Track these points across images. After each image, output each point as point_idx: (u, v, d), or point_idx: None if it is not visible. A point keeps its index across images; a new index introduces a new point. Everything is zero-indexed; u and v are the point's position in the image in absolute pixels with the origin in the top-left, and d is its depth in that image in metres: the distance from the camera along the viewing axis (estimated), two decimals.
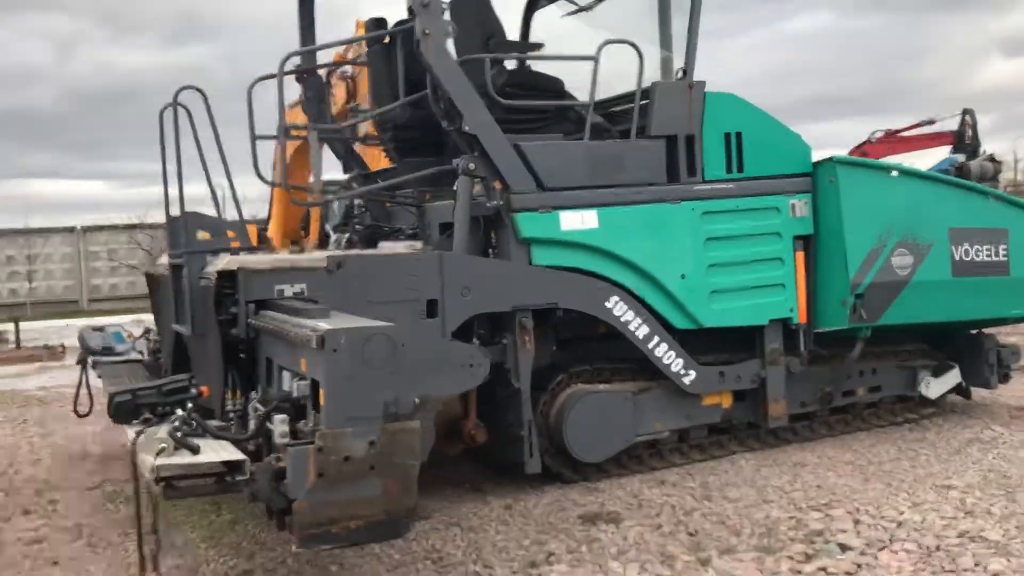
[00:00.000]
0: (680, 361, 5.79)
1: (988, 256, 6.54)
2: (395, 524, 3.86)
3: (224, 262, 4.70)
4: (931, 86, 64.92)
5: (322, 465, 3.63)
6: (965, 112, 20.09)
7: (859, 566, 4.12)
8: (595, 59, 5.58)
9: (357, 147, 7.21)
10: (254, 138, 5.15)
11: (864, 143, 26.45)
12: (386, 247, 5.56)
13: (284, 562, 4.51)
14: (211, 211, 5.41)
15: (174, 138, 4.84)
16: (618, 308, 5.58)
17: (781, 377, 6.13)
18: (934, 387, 6.89)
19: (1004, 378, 7.10)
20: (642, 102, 5.74)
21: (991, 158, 18.63)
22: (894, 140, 25.86)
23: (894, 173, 6.33)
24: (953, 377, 7.01)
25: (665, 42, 6.54)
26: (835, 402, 6.54)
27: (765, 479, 5.55)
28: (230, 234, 5.23)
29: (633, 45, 5.69)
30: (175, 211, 5.23)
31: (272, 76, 5.21)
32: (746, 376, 6.05)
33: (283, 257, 4.87)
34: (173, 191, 5.11)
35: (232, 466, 3.79)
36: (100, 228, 28.80)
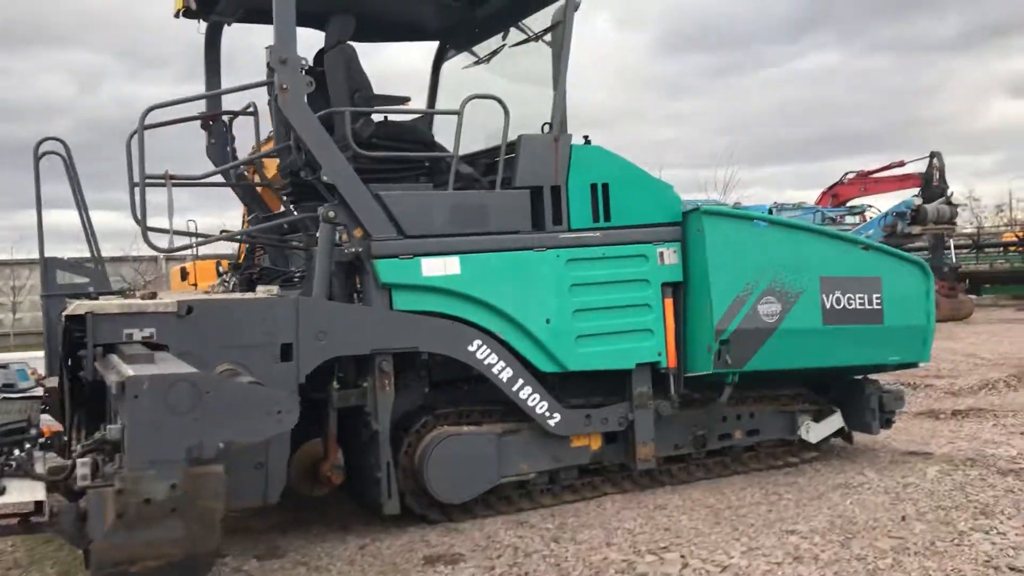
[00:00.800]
0: (545, 404, 5.94)
1: (861, 304, 6.70)
2: (195, 566, 4.02)
3: (73, 306, 4.88)
4: (937, 123, 65.34)
5: (121, 507, 3.79)
6: (932, 155, 20.35)
7: None
8: (459, 113, 5.79)
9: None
10: (139, 182, 5.31)
11: (836, 184, 26.86)
12: (260, 290, 5.73)
13: None
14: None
15: (35, 188, 5.03)
16: (481, 352, 5.74)
17: (649, 420, 6.27)
18: (815, 431, 7.04)
19: (886, 423, 7.23)
20: (509, 155, 5.95)
21: (948, 201, 18.87)
22: (866, 181, 26.24)
23: (762, 223, 6.51)
24: (835, 422, 7.15)
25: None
26: (710, 445, 6.69)
27: (620, 521, 5.68)
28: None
29: (498, 100, 5.91)
30: (61, 250, 5.42)
31: (181, 100, 5.42)
32: (613, 419, 6.20)
33: (133, 302, 5.04)
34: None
35: (35, 507, 3.96)
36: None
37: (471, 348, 5.72)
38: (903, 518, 5.51)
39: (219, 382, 4.05)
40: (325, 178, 5.46)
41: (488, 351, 5.77)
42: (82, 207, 5.21)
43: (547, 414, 5.96)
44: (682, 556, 4.98)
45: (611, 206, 6.19)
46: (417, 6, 7.10)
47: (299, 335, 5.27)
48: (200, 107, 6.65)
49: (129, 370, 4.05)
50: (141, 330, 4.96)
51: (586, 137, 7.13)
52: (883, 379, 7.34)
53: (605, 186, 6.17)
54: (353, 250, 5.54)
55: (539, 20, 6.79)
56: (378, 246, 5.51)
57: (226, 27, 6.96)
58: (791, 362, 6.53)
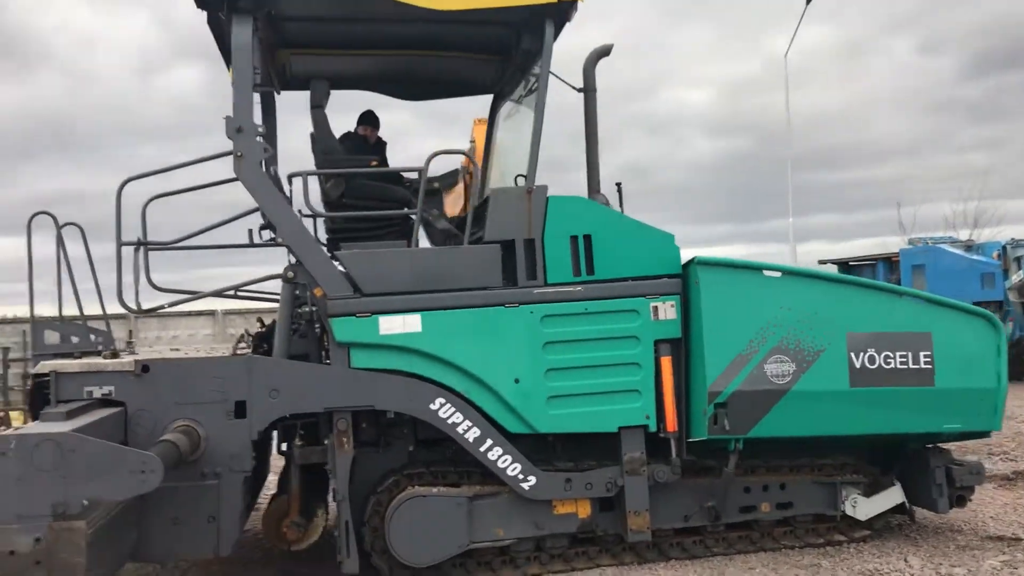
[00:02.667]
0: (517, 466, 5.69)
1: (903, 363, 5.86)
2: None
3: (39, 365, 5.34)
4: None
5: None
6: None
7: None
8: (423, 170, 5.75)
9: None
10: (120, 244, 5.75)
11: None
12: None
13: None
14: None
15: (27, 253, 5.58)
16: (444, 411, 5.61)
17: (643, 487, 5.80)
18: (864, 507, 6.18)
19: (958, 501, 6.23)
20: (481, 209, 5.83)
21: None
22: None
23: (774, 274, 5.87)
24: (892, 497, 6.26)
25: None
26: (727, 518, 6.07)
27: None
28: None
29: (465, 154, 5.82)
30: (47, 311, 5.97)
31: (152, 173, 5.83)
32: (599, 484, 5.80)
33: (94, 361, 5.43)
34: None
35: None
36: None
37: (433, 407, 5.60)
38: None
39: (83, 442, 4.25)
40: (279, 239, 5.62)
41: (452, 410, 5.62)
42: (68, 270, 5.71)
43: (520, 476, 5.69)
44: None
45: (595, 258, 5.85)
46: (468, 65, 7.14)
47: (252, 392, 5.43)
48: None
49: (28, 428, 4.37)
50: (100, 388, 5.33)
51: (618, 184, 6.87)
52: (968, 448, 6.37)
53: (588, 237, 5.85)
54: (308, 309, 5.64)
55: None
56: (334, 305, 5.56)
57: (277, 96, 7.38)
58: (809, 429, 5.81)
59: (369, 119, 7.11)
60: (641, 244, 5.96)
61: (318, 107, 6.30)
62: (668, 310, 5.87)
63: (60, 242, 5.66)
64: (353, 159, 6.31)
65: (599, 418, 5.79)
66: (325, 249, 5.88)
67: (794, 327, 5.77)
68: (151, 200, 5.91)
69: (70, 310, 5.99)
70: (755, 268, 5.89)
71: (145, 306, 5.82)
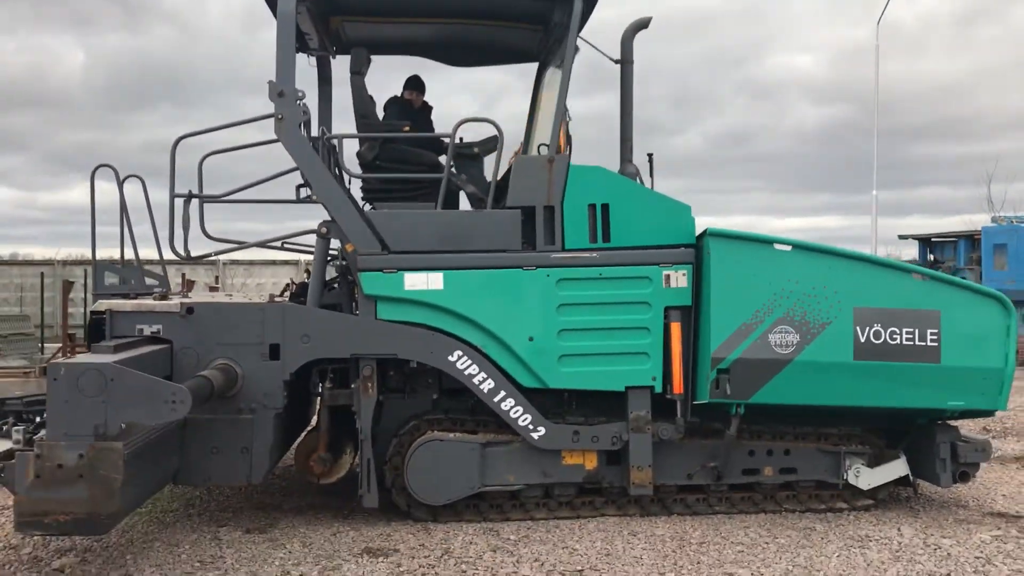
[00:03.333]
0: (528, 417, 6.06)
1: (909, 340, 6.01)
2: (97, 523, 4.80)
3: (96, 304, 5.93)
4: None
5: (39, 468, 4.69)
6: None
7: None
8: (451, 136, 6.11)
9: None
10: (174, 196, 6.29)
11: None
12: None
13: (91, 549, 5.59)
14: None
15: (90, 202, 6.16)
16: (461, 363, 6.02)
17: (647, 444, 6.12)
18: (866, 476, 6.37)
19: (961, 477, 6.36)
20: (506, 176, 6.17)
21: None
22: None
23: (784, 247, 6.06)
24: (896, 469, 6.42)
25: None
26: (729, 479, 6.35)
27: (575, 542, 5.68)
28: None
29: (492, 122, 6.15)
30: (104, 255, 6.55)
31: (203, 131, 6.33)
32: (605, 438, 6.14)
33: (145, 302, 5.99)
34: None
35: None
36: None
37: (451, 358, 6.01)
38: None
39: (122, 372, 4.79)
40: (314, 197, 6.07)
41: (469, 362, 6.02)
42: (126, 219, 6.26)
43: (530, 427, 6.07)
44: None
45: (612, 226, 6.13)
46: (512, 33, 7.42)
47: (285, 337, 5.93)
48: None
49: (81, 359, 4.95)
50: (150, 326, 5.90)
51: (650, 155, 7.12)
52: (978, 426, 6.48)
53: (605, 206, 6.13)
54: (341, 263, 6.09)
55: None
56: (363, 260, 5.99)
57: (332, 60, 7.81)
58: (811, 398, 6.02)
59: (414, 84, 7.49)
60: (657, 214, 6.21)
61: (357, 73, 6.69)
62: (680, 278, 6.14)
63: (121, 193, 6.21)
64: (387, 124, 6.70)
65: (607, 377, 6.12)
66: (358, 207, 6.29)
67: (801, 299, 5.97)
68: (207, 156, 6.44)
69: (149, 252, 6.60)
70: (766, 241, 6.10)
71: (195, 253, 6.35)
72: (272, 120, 5.98)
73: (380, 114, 7.38)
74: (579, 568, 5.17)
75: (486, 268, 6.06)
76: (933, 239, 23.38)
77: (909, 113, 55.52)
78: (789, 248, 6.08)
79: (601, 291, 6.11)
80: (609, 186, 6.20)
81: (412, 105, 7.47)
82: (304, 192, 6.33)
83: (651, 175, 6.99)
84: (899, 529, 5.95)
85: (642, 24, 6.91)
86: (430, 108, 7.62)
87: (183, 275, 21.38)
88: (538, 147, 6.38)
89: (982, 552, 5.46)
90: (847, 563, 5.27)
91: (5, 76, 67.66)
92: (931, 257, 22.91)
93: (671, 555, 5.42)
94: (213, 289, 21.09)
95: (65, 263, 25.40)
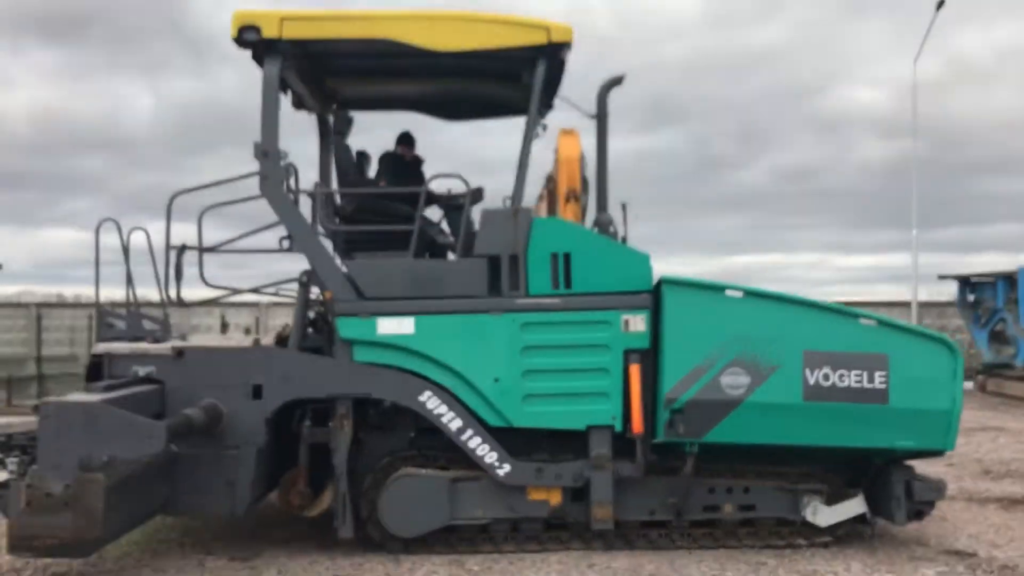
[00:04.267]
0: (494, 454, 6.42)
1: (858, 382, 6.27)
2: (82, 547, 5.31)
3: (95, 347, 6.45)
4: None
5: (30, 496, 5.19)
6: None
7: None
8: (423, 191, 6.57)
9: None
10: (169, 248, 6.82)
11: None
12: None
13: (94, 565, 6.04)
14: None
15: (95, 256, 6.72)
16: (431, 402, 6.42)
17: (608, 482, 6.43)
18: (824, 514, 6.60)
19: (916, 515, 6.58)
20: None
21: None
22: None
23: (735, 294, 6.37)
24: (854, 506, 6.64)
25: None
26: (689, 515, 6.62)
27: (536, 572, 6.01)
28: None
29: (460, 177, 6.61)
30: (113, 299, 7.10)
31: (198, 188, 6.86)
32: (567, 475, 6.47)
33: (139, 345, 6.49)
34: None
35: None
36: None
37: (421, 399, 6.41)
38: None
39: (105, 410, 5.28)
40: (295, 249, 6.55)
41: (438, 402, 6.41)
42: (128, 269, 6.82)
43: (496, 464, 6.42)
44: None
45: (573, 274, 6.51)
46: (506, 88, 7.88)
47: (267, 378, 6.39)
48: None
49: (68, 397, 5.45)
50: (144, 368, 6.41)
51: (623, 204, 7.52)
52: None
53: (567, 255, 6.51)
54: (318, 310, 6.55)
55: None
56: (339, 306, 6.45)
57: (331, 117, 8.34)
58: (762, 437, 6.30)
59: (405, 139, 8.00)
60: (616, 262, 6.58)
61: (339, 134, 7.21)
62: (638, 323, 6.48)
63: (123, 244, 6.76)
64: (366, 180, 7.19)
65: (569, 416, 6.46)
66: (338, 257, 6.76)
67: (751, 343, 6.27)
68: (207, 209, 6.95)
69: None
70: (718, 288, 6.43)
71: (193, 299, 6.86)
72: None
73: (375, 167, 7.91)
74: None
75: (455, 313, 6.47)
76: (972, 279, 23.14)
77: (982, 146, 54.62)
78: (740, 295, 6.40)
79: (563, 335, 6.47)
80: (571, 236, 6.58)
81: (404, 159, 7.96)
82: (287, 243, 6.81)
83: (624, 224, 7.39)
84: (848, 565, 6.18)
85: (616, 81, 7.33)
86: (421, 161, 8.11)
87: (222, 317, 22.17)
88: (503, 200, 6.81)
89: None
90: None
91: (80, 121, 70.74)
92: (971, 297, 22.65)
93: None
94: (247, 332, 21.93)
95: (113, 305, 26.39)
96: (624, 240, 7.03)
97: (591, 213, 7.22)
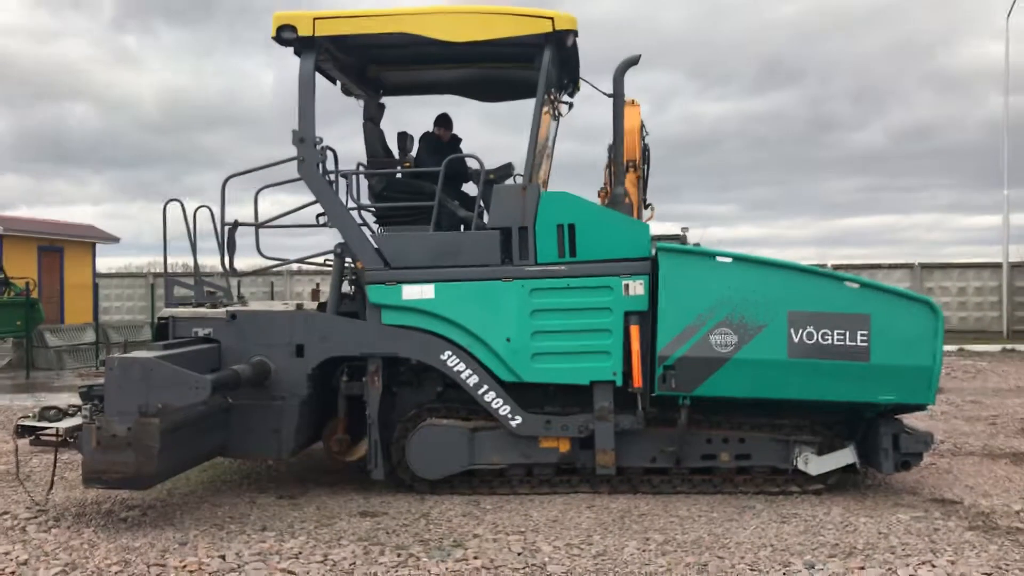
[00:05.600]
0: (508, 407, 7.13)
1: (840, 340, 6.71)
2: (142, 481, 6.26)
3: (161, 312, 7.42)
4: None
5: (99, 437, 6.15)
6: None
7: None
8: (440, 171, 7.27)
9: None
10: (223, 224, 7.73)
11: None
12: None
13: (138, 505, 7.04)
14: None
15: (163, 232, 7.68)
16: (451, 360, 7.16)
17: (610, 431, 7.07)
18: (815, 464, 7.08)
19: (902, 465, 7.00)
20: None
21: None
22: None
23: (725, 259, 6.87)
24: (844, 456, 7.10)
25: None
26: (688, 463, 7.20)
27: (537, 511, 6.70)
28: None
29: (475, 158, 7.27)
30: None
31: (247, 171, 7.75)
32: (573, 426, 7.13)
33: (199, 310, 7.43)
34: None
35: (71, 431, 6.48)
36: None
37: (442, 357, 7.16)
38: (769, 547, 5.79)
39: (158, 364, 6.19)
40: (329, 224, 7.36)
41: (457, 360, 7.15)
42: (194, 244, 7.75)
43: (509, 416, 7.13)
44: (523, 539, 5.98)
45: (577, 243, 7.12)
46: (529, 71, 8.49)
47: (307, 338, 7.24)
48: None
49: (132, 354, 6.42)
50: (203, 329, 7.34)
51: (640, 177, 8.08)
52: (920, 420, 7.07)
53: (572, 226, 7.13)
54: (351, 277, 7.35)
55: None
56: (369, 275, 7.24)
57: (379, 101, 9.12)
58: (749, 391, 6.82)
59: (442, 121, 8.70)
60: (617, 232, 7.16)
61: (369, 120, 7.97)
62: (637, 287, 7.06)
63: (187, 222, 7.71)
64: (390, 161, 7.94)
65: (574, 372, 7.11)
66: (368, 231, 7.54)
67: (739, 305, 6.78)
68: (261, 189, 7.87)
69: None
70: (709, 255, 6.96)
71: (249, 268, 7.76)
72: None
73: (416, 147, 8.65)
74: (522, 530, 6.21)
75: (470, 280, 7.17)
76: None
77: None
78: (729, 260, 6.91)
79: (569, 298, 7.11)
80: (575, 209, 7.20)
81: (441, 139, 8.67)
82: (323, 219, 7.62)
83: (643, 192, 7.95)
84: (829, 509, 6.67)
85: (632, 61, 7.86)
86: (459, 140, 8.81)
87: (317, 284, 23.63)
88: (514, 176, 7.46)
89: (888, 528, 6.14)
90: (758, 533, 6.08)
91: (204, 98, 74.25)
92: None
93: (609, 523, 6.37)
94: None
95: (180, 274, 28.39)
96: (647, 206, 7.59)
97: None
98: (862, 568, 5.32)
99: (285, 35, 7.27)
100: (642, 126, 15.15)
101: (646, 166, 15.57)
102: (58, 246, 24.52)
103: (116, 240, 26.88)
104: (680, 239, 7.62)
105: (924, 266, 28.95)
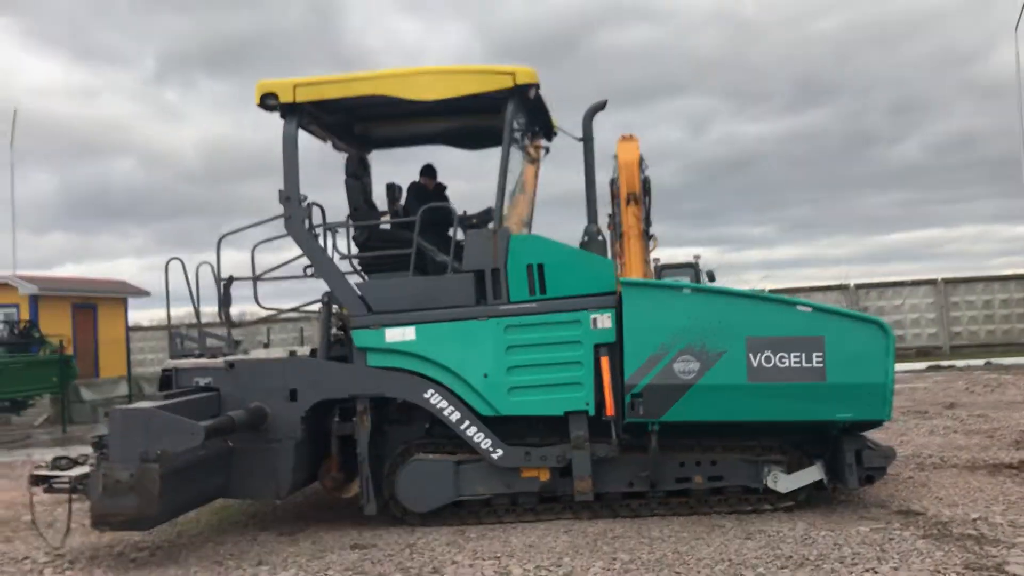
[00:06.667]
0: (489, 441, 7.54)
1: (797, 363, 7.06)
2: (145, 522, 6.76)
3: (165, 363, 7.95)
4: None
5: (105, 483, 6.67)
6: None
7: None
8: (417, 220, 7.77)
9: None
10: (219, 280, 8.26)
11: None
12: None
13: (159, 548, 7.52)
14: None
15: (165, 289, 8.24)
16: (434, 398, 7.61)
17: (586, 459, 7.45)
18: (784, 482, 7.40)
19: (867, 479, 7.30)
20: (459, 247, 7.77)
21: None
22: None
23: (685, 291, 7.28)
24: (811, 473, 7.41)
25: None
26: (663, 487, 7.55)
27: (518, 537, 7.09)
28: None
29: (448, 206, 7.76)
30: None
31: (239, 229, 8.29)
32: (551, 456, 7.52)
33: (200, 360, 7.95)
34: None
35: (80, 478, 7.00)
36: None
37: (426, 395, 7.61)
38: (727, 561, 6.12)
39: (158, 414, 6.70)
40: (313, 275, 7.87)
41: (440, 398, 7.59)
42: (193, 298, 8.27)
43: (490, 449, 7.54)
44: (497, 564, 6.37)
45: (547, 281, 7.56)
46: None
47: (300, 383, 7.73)
48: None
49: (134, 405, 6.95)
50: (203, 379, 7.86)
51: (609, 215, 8.53)
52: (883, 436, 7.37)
53: (540, 266, 7.56)
54: (339, 323, 7.85)
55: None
56: (354, 320, 7.73)
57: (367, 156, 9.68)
58: (714, 415, 7.18)
59: (427, 171, 9.22)
60: (584, 269, 7.59)
61: (352, 176, 8.51)
62: (605, 320, 7.47)
63: (187, 278, 8.25)
64: (371, 213, 8.46)
65: (549, 404, 7.51)
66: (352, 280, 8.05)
67: (700, 333, 7.16)
68: (257, 244, 8.39)
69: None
70: (669, 287, 7.37)
71: (245, 319, 8.29)
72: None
73: (404, 196, 9.17)
74: (499, 555, 6.60)
75: (448, 321, 7.63)
76: None
77: None
78: (689, 292, 7.31)
79: (541, 333, 7.53)
80: (543, 249, 7.64)
81: (427, 188, 9.19)
82: (310, 271, 8.13)
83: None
84: (794, 524, 6.99)
85: (599, 107, 8.36)
86: (444, 188, 9.32)
87: (301, 329, 24.37)
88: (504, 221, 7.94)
89: (844, 540, 6.45)
90: (720, 550, 6.41)
91: (244, 148, 76.26)
92: None
93: (582, 546, 6.74)
94: None
95: (183, 326, 29.13)
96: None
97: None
98: None
99: (268, 102, 7.84)
100: (641, 159, 15.64)
101: (647, 198, 16.05)
102: (91, 303, 25.37)
103: (147, 294, 27.73)
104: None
105: (948, 281, 28.98)
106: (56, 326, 22.82)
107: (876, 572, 5.67)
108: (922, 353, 27.63)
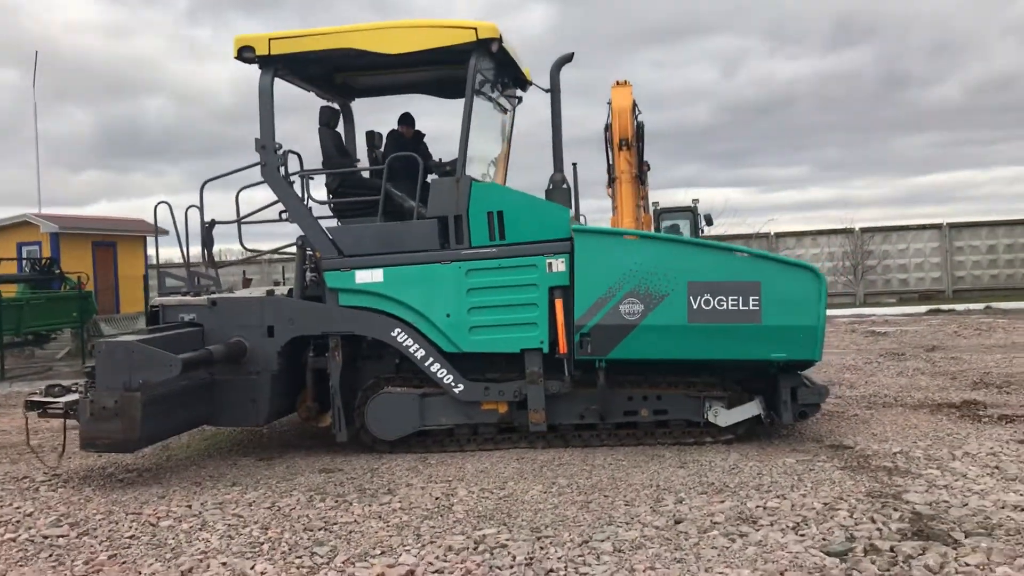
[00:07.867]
0: (451, 376, 8.11)
1: (735, 305, 7.52)
2: (128, 445, 7.40)
3: (153, 300, 8.54)
4: None
5: (92, 409, 7.30)
6: None
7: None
8: (384, 167, 8.24)
9: None
10: (203, 223, 8.81)
11: None
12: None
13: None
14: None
15: (154, 231, 8.79)
16: (400, 336, 8.16)
17: (540, 394, 8.00)
18: (723, 416, 7.93)
19: (801, 415, 7.80)
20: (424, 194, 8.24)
21: None
22: None
23: (631, 238, 7.73)
24: (749, 409, 7.93)
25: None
26: (611, 419, 8.09)
27: (472, 464, 7.66)
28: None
29: (415, 157, 8.21)
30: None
31: (220, 176, 8.83)
32: (509, 391, 8.08)
33: (186, 298, 8.53)
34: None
35: (71, 404, 7.64)
36: None
37: (393, 333, 8.16)
38: (653, 487, 6.67)
39: (139, 346, 7.30)
40: (288, 219, 8.39)
41: (406, 336, 8.15)
42: (181, 240, 8.82)
43: (452, 384, 8.11)
44: (447, 487, 6.97)
45: (506, 228, 8.03)
46: None
47: (277, 320, 8.30)
48: None
49: (120, 338, 7.55)
50: (188, 315, 8.46)
51: (574, 164, 8.99)
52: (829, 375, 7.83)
53: (500, 213, 8.03)
54: (312, 264, 8.40)
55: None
56: (326, 262, 8.26)
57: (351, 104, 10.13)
58: (656, 353, 7.69)
59: (404, 119, 9.66)
60: (541, 216, 8.05)
61: (324, 126, 8.96)
62: (559, 264, 7.95)
63: (175, 223, 8.81)
64: (343, 161, 8.93)
65: (506, 342, 8.04)
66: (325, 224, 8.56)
67: (644, 277, 7.64)
68: (241, 189, 8.92)
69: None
70: (617, 234, 7.82)
71: (224, 260, 8.85)
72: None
73: (384, 143, 9.63)
74: (450, 479, 7.20)
75: (414, 264, 8.14)
76: None
77: None
78: (636, 238, 7.76)
79: (500, 277, 8.03)
80: (503, 197, 8.12)
81: (405, 136, 9.64)
82: (285, 216, 8.65)
83: (575, 182, 8.86)
84: (727, 455, 7.52)
85: (566, 59, 8.73)
86: (422, 135, 9.76)
87: (243, 272, 25.29)
88: (446, 169, 8.38)
89: (768, 470, 6.96)
90: (652, 477, 6.96)
91: (277, 85, 76.30)
92: None
93: (528, 472, 7.32)
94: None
95: (170, 265, 29.73)
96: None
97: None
98: (721, 501, 6.19)
99: (245, 55, 8.30)
100: (635, 105, 15.94)
101: (640, 143, 16.38)
102: (111, 241, 26.14)
103: (166, 233, 28.41)
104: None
105: (952, 226, 29.07)
106: (77, 263, 23.59)
107: (785, 498, 6.18)
108: (925, 297, 27.89)
